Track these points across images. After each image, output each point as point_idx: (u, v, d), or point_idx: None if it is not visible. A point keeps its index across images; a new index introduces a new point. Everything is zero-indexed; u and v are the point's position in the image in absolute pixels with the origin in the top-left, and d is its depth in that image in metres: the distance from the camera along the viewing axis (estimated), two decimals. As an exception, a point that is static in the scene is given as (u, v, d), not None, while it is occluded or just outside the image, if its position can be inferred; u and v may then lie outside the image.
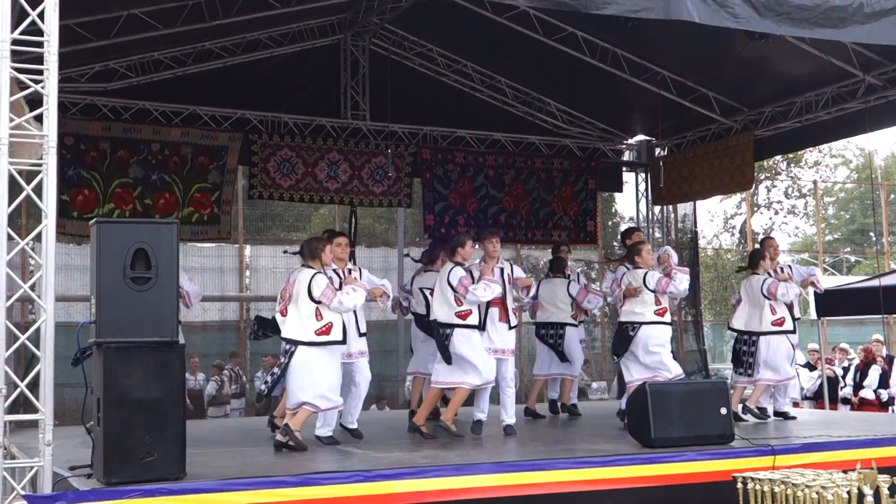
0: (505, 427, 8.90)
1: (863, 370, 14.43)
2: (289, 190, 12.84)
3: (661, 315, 9.20)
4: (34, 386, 6.06)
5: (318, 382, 7.80)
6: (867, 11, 7.46)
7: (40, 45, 6.11)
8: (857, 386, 14.37)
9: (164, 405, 6.05)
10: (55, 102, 6.10)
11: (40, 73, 6.11)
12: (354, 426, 8.58)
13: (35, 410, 6.01)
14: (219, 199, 12.44)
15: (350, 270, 8.57)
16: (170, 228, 6.34)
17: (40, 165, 6.08)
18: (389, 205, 13.82)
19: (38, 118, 6.18)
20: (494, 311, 8.99)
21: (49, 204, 6.05)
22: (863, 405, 14.07)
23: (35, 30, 6.10)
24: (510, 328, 9.16)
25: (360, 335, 8.58)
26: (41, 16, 6.08)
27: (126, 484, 5.77)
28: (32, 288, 6.17)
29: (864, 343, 15.65)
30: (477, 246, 9.27)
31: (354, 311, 8.37)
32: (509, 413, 9.00)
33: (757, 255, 10.27)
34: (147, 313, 6.08)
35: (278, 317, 8.06)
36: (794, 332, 10.15)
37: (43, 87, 6.10)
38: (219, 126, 12.43)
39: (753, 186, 15.32)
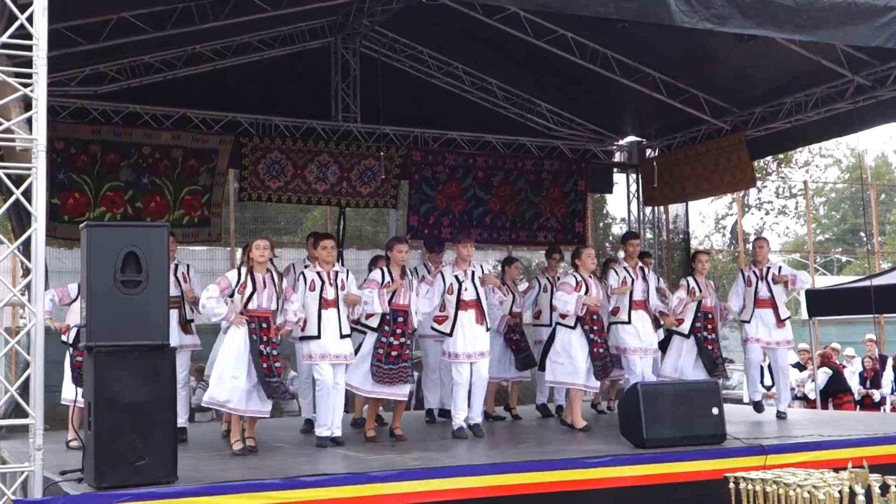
0: (473, 426, 8.95)
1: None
2: (277, 191, 12.86)
3: None
4: (25, 391, 6.04)
5: None
6: (854, 12, 7.48)
7: (29, 48, 6.10)
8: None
9: (154, 409, 6.04)
10: (44, 106, 6.09)
11: (30, 76, 6.11)
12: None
13: (26, 415, 5.99)
14: (209, 201, 12.43)
15: (337, 273, 8.54)
16: (160, 232, 6.34)
17: (30, 170, 6.07)
18: (376, 205, 13.81)
19: (28, 122, 6.17)
20: (471, 315, 8.99)
21: (38, 208, 6.03)
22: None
23: (24, 33, 6.09)
24: (486, 330, 9.16)
25: (343, 337, 8.50)
26: (30, 19, 6.07)
27: (117, 488, 5.75)
28: (23, 292, 6.15)
29: (858, 343, 15.76)
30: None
31: (339, 313, 8.43)
32: (477, 413, 9.07)
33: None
34: (137, 317, 6.08)
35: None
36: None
37: (32, 91, 6.09)
38: (209, 129, 12.41)
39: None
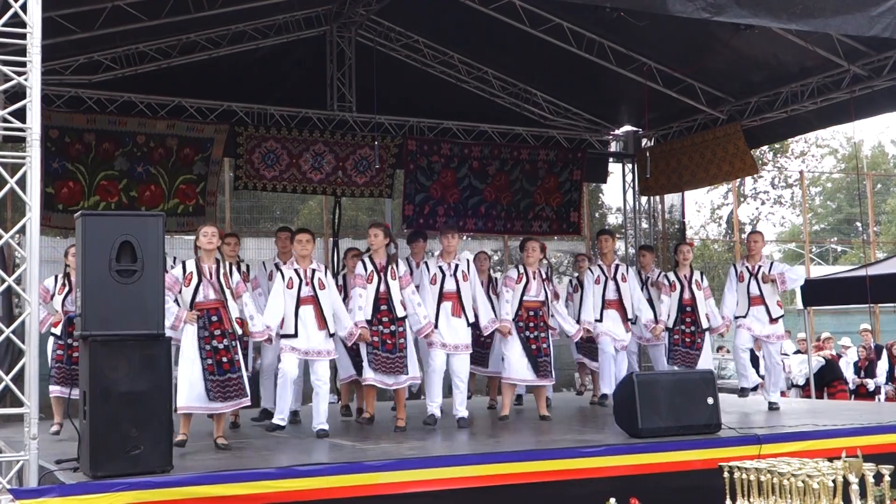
0: (459, 419, 8.87)
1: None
2: (272, 181, 12.82)
3: None
4: (19, 379, 6.04)
5: None
6: (849, 2, 7.48)
7: (23, 37, 6.08)
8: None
9: (150, 398, 6.05)
10: (38, 94, 6.07)
11: (24, 65, 6.09)
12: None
13: (20, 404, 5.99)
14: (204, 190, 12.40)
15: (314, 271, 8.35)
16: (156, 221, 6.34)
17: (24, 158, 6.06)
18: (371, 195, 13.79)
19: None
20: (447, 306, 8.93)
21: (33, 197, 6.03)
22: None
23: (18, 22, 6.08)
24: (468, 325, 9.04)
25: (331, 335, 8.38)
26: (24, 7, 6.06)
27: (112, 477, 5.75)
28: (17, 281, 6.15)
29: (854, 332, 15.81)
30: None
31: (321, 308, 8.27)
32: (460, 406, 8.97)
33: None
34: (133, 306, 6.08)
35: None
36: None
37: (26, 80, 6.07)
38: (204, 118, 12.37)
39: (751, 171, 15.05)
